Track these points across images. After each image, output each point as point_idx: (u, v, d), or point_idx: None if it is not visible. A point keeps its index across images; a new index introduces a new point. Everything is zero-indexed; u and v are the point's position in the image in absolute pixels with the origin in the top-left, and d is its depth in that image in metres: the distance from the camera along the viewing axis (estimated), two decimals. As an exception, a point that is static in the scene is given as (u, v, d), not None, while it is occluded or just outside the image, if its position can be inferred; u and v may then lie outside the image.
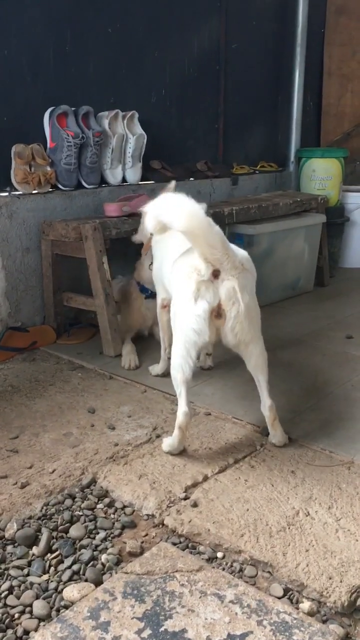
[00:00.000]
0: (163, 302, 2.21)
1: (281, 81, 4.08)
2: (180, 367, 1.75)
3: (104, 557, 1.38)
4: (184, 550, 1.41)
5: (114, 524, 1.51)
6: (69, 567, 1.35)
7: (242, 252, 1.79)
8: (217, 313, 1.70)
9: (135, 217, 2.70)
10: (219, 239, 1.67)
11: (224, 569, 1.35)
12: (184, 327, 1.72)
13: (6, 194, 2.65)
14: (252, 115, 3.99)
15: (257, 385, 1.85)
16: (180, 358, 1.74)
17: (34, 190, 2.70)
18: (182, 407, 1.76)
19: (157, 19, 3.21)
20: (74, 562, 1.37)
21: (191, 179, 3.46)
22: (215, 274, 1.69)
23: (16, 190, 2.68)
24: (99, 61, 2.99)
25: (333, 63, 4.49)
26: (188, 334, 1.71)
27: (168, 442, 1.80)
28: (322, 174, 3.83)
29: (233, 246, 1.77)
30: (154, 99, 3.32)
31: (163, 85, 3.35)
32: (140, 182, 3.14)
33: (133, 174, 3.08)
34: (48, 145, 2.79)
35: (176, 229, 1.67)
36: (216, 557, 1.40)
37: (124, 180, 3.08)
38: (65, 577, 1.32)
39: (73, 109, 2.80)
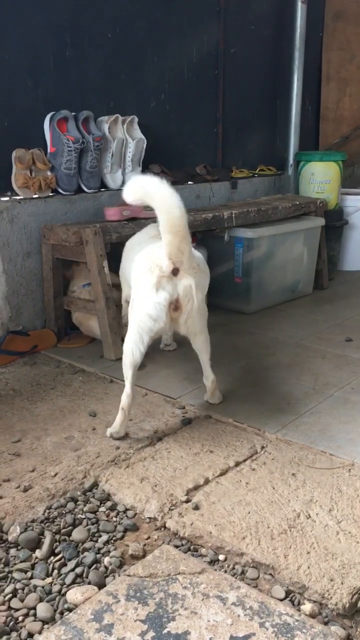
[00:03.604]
0: (127, 298, 2.44)
1: (279, 85, 4.10)
2: (131, 351, 1.90)
3: (106, 560, 1.39)
4: (186, 552, 1.41)
5: (116, 527, 1.52)
6: (72, 570, 1.36)
7: (198, 254, 1.97)
8: (174, 306, 1.87)
9: (135, 221, 2.71)
10: (185, 233, 1.79)
11: (225, 572, 1.36)
12: (141, 314, 1.86)
13: (7, 198, 2.66)
14: (251, 119, 4.01)
15: (201, 363, 2.11)
16: (132, 343, 1.90)
17: (35, 194, 2.71)
18: (126, 390, 1.92)
19: (156, 25, 3.23)
20: (77, 565, 1.38)
21: (190, 182, 3.48)
22: (175, 272, 1.84)
23: (17, 194, 2.69)
24: (99, 66, 3.01)
25: (331, 67, 4.52)
26: (144, 320, 1.86)
27: (112, 426, 1.93)
28: (320, 177, 3.85)
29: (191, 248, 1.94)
30: (153, 103, 3.34)
31: (162, 90, 3.36)
32: (140, 186, 3.15)
33: (133, 178, 3.09)
34: (48, 150, 2.80)
35: (155, 201, 1.77)
36: (218, 560, 1.41)
37: (123, 184, 3.07)
38: (68, 580, 1.33)
39: (73, 113, 2.81)
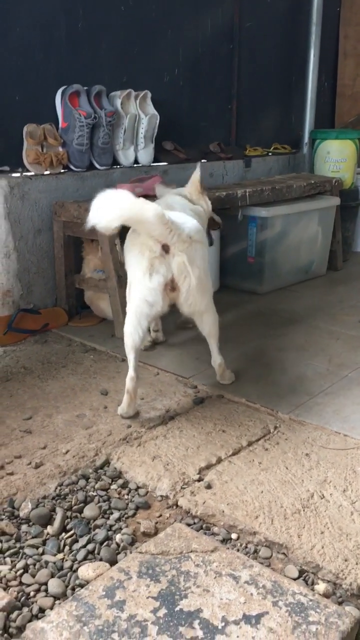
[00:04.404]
0: None
1: (295, 61, 4.02)
2: (131, 335, 1.87)
3: (118, 537, 1.38)
4: (198, 531, 1.40)
5: (127, 504, 1.51)
6: (84, 546, 1.35)
7: (190, 224, 1.85)
8: (171, 287, 1.81)
9: (148, 199, 2.67)
10: (155, 218, 1.72)
11: (238, 550, 1.35)
12: (137, 299, 1.83)
13: (18, 174, 2.63)
14: (266, 96, 3.93)
15: (209, 346, 2.07)
16: (131, 327, 1.86)
17: (46, 171, 2.68)
18: (129, 373, 1.89)
19: (170, -3, 3.16)
20: (88, 542, 1.37)
21: (204, 160, 3.42)
22: (166, 249, 1.78)
23: (28, 171, 2.66)
24: (112, 39, 2.94)
25: (349, 43, 4.41)
26: (140, 305, 1.82)
27: (120, 407, 1.91)
28: (336, 155, 3.78)
29: (181, 217, 1.86)
30: (167, 78, 3.28)
31: (176, 64, 3.30)
32: (152, 164, 3.11)
33: (145, 155, 3.05)
34: (60, 125, 2.76)
35: (108, 229, 1.75)
36: (230, 538, 1.39)
37: (136, 161, 3.05)
38: (80, 556, 1.33)
39: (85, 88, 2.77)
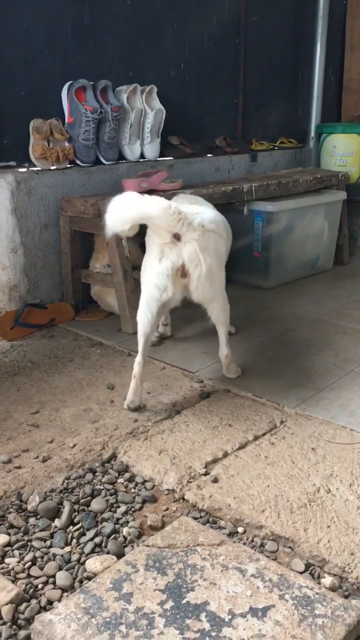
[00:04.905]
0: None
1: (302, 55, 4.00)
2: (141, 319, 1.91)
3: (125, 530, 1.39)
4: (204, 524, 1.41)
5: (134, 498, 1.51)
6: (91, 539, 1.36)
7: (204, 215, 1.89)
8: (182, 273, 1.84)
9: (154, 194, 2.67)
10: (159, 212, 1.76)
11: (245, 544, 1.36)
12: (149, 283, 1.87)
13: (24, 169, 2.64)
14: (272, 90, 3.91)
15: (219, 334, 2.08)
16: (142, 311, 1.90)
17: (52, 166, 2.68)
18: (137, 357, 1.92)
19: (176, -9, 3.15)
20: (95, 535, 1.38)
21: (210, 155, 3.42)
22: (177, 237, 1.81)
23: (34, 166, 2.66)
24: (118, 34, 2.94)
25: (355, 36, 4.38)
26: (151, 289, 1.86)
27: (127, 397, 1.93)
28: (343, 150, 3.76)
29: (196, 209, 1.92)
30: (173, 73, 3.27)
31: (182, 59, 3.29)
32: (158, 158, 3.10)
33: (151, 150, 3.05)
34: (66, 120, 2.76)
35: (122, 231, 1.82)
36: (237, 532, 1.40)
37: (142, 156, 3.05)
38: (87, 549, 1.33)
39: (91, 83, 2.76)
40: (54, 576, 1.26)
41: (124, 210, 1.78)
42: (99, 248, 2.74)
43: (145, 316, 1.89)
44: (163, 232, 1.82)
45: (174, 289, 1.86)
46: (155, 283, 1.85)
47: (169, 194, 2.50)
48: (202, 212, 1.91)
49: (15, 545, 1.35)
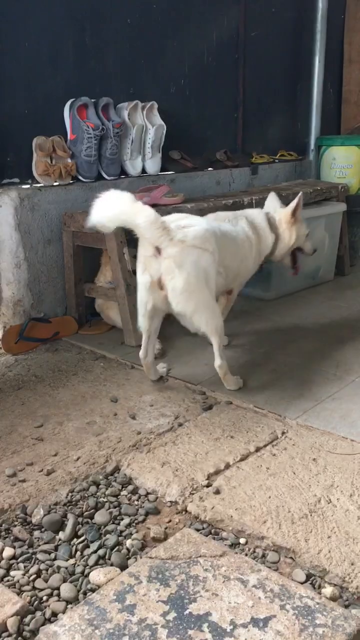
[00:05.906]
0: None
1: (301, 69, 4.05)
2: (139, 322, 2.12)
3: (128, 542, 1.41)
4: (207, 536, 1.43)
5: (137, 510, 1.53)
6: (95, 551, 1.38)
7: (189, 230, 1.95)
8: (160, 285, 1.95)
9: (155, 208, 2.71)
10: (145, 223, 1.85)
11: (246, 555, 1.37)
12: (137, 292, 2.06)
13: (28, 186, 2.68)
14: (272, 103, 3.96)
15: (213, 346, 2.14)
16: (138, 314, 2.11)
17: (55, 182, 2.72)
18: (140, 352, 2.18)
19: (175, 9, 3.20)
20: (99, 547, 1.40)
21: (210, 169, 3.46)
22: (158, 250, 1.91)
23: (37, 182, 2.70)
24: (118, 52, 2.99)
25: (353, 50, 4.43)
26: (138, 297, 2.06)
27: None
28: (342, 162, 3.80)
29: (187, 222, 2.00)
30: (173, 89, 3.32)
31: (182, 75, 3.34)
32: (159, 173, 3.14)
33: (153, 165, 3.09)
34: (68, 137, 2.81)
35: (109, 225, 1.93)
36: (239, 543, 1.42)
37: (143, 171, 3.09)
38: (91, 561, 1.35)
39: (93, 100, 2.81)
40: (58, 588, 1.28)
41: (112, 210, 1.86)
42: (105, 263, 2.77)
43: (140, 320, 2.10)
44: (147, 245, 1.93)
45: (154, 301, 2.00)
46: (139, 293, 2.03)
47: (170, 208, 2.54)
48: (190, 225, 1.98)
49: (20, 558, 1.37)
